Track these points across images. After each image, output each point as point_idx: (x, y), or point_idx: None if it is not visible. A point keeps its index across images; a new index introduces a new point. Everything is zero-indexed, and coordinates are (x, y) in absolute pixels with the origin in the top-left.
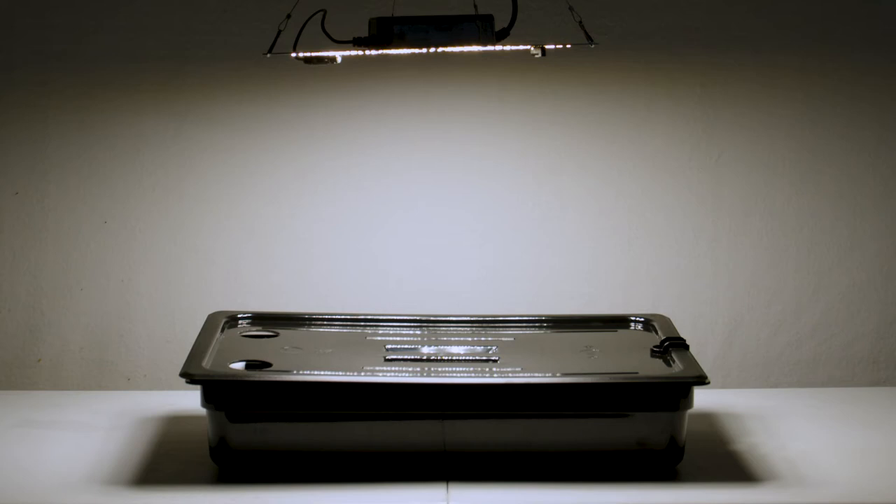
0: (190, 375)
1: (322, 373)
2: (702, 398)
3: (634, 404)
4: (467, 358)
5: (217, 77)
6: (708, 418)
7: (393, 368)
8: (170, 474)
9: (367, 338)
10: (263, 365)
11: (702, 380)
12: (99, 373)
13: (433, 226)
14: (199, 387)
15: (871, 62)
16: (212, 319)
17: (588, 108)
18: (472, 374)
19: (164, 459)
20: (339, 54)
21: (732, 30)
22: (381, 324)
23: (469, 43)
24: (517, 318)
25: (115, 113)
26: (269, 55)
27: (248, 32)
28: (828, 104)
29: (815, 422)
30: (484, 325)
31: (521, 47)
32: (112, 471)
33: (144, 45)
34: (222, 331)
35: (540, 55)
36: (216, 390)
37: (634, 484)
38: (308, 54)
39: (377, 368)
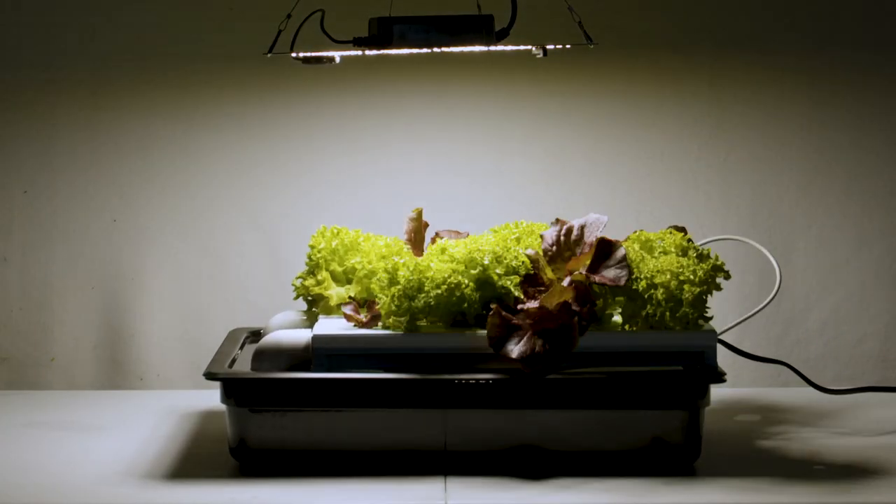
0: (213, 375)
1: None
2: (712, 397)
3: (650, 400)
4: None
5: (226, 76)
6: (718, 416)
7: None
8: (189, 471)
9: None
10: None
11: (720, 376)
12: (112, 372)
13: (439, 226)
14: (218, 385)
15: (878, 63)
16: (233, 335)
17: (596, 107)
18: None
19: (183, 457)
20: (337, 54)
21: (740, 29)
22: None
23: (469, 43)
24: None
25: (123, 111)
26: (269, 55)
27: (256, 31)
28: (835, 104)
29: (824, 420)
30: None
31: (522, 47)
32: (128, 469)
33: (152, 44)
34: (242, 347)
35: (541, 55)
36: (237, 388)
37: (651, 480)
38: (307, 54)
39: None
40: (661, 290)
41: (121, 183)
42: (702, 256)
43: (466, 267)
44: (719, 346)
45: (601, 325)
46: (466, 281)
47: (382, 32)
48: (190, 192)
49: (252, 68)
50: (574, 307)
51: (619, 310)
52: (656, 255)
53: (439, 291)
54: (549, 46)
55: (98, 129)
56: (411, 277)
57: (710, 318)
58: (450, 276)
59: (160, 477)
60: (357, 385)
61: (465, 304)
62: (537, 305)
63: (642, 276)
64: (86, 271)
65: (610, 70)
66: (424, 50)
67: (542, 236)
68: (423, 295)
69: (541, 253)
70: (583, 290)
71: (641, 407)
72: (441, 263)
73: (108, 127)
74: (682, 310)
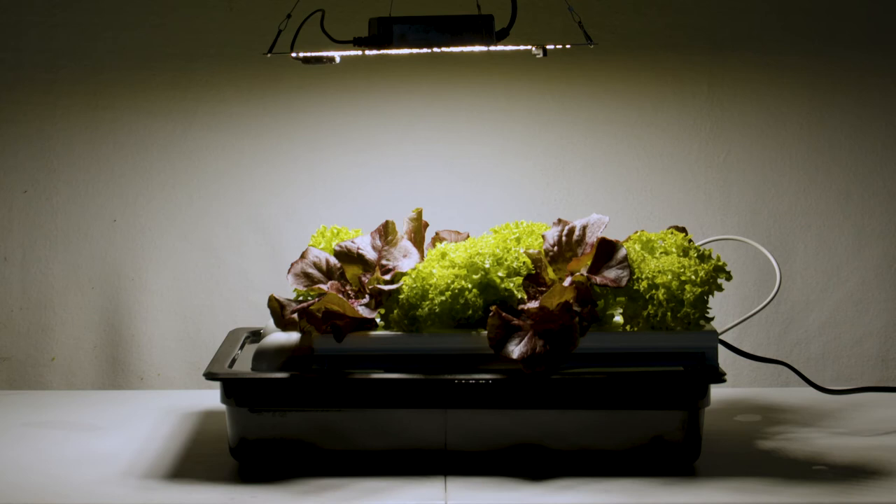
0: (213, 375)
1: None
2: (712, 396)
3: (650, 400)
4: None
5: (225, 76)
6: (718, 416)
7: None
8: (189, 471)
9: None
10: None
11: (720, 376)
12: (112, 372)
13: (439, 226)
14: (218, 385)
15: (877, 63)
16: (233, 335)
17: (595, 107)
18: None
19: (183, 457)
20: (337, 54)
21: (739, 29)
22: None
23: (469, 43)
24: None
25: (123, 111)
26: (269, 55)
27: (256, 31)
28: (835, 104)
29: (824, 420)
30: None
31: (521, 47)
32: (128, 469)
33: (151, 44)
34: (242, 347)
35: (541, 55)
36: (237, 388)
37: (651, 480)
38: (307, 54)
39: None
40: (663, 291)
41: (121, 183)
42: (703, 257)
43: (468, 272)
44: (719, 346)
45: (602, 325)
46: (469, 286)
47: (382, 32)
48: (190, 192)
49: (252, 68)
50: (575, 308)
51: (621, 310)
52: (657, 255)
53: (443, 298)
54: (549, 46)
55: (98, 129)
56: (414, 285)
57: (712, 319)
58: (453, 282)
59: (160, 477)
60: (357, 385)
61: (470, 311)
62: (538, 306)
63: (643, 277)
64: (86, 271)
65: (610, 70)
66: (424, 50)
67: (543, 237)
68: (426, 303)
69: (543, 253)
70: (584, 290)
71: (641, 407)
72: (442, 269)
73: (108, 127)
74: (684, 310)
